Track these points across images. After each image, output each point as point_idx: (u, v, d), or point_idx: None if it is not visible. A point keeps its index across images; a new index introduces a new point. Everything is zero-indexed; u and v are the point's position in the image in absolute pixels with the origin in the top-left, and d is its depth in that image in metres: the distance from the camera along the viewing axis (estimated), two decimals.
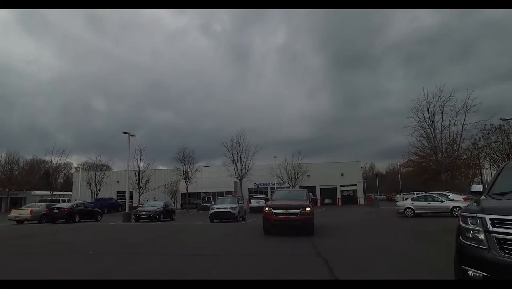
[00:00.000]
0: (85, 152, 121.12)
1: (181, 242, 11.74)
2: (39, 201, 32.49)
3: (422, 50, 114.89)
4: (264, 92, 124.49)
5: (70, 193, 59.74)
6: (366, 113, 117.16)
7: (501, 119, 35.88)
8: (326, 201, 54.91)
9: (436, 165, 37.01)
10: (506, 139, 36.15)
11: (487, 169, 42.39)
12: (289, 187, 44.85)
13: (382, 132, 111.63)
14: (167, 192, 49.64)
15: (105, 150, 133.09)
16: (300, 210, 11.42)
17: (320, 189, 55.55)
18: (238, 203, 23.42)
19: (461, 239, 3.68)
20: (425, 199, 22.58)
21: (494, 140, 36.94)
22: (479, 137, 37.08)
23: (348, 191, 57.19)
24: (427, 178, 41.95)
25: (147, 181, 47.40)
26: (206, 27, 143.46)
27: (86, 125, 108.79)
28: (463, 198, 21.94)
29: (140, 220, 23.86)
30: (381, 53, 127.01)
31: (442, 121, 36.62)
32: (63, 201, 37.31)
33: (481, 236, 3.44)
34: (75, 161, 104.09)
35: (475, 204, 4.06)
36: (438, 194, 22.98)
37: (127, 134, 29.58)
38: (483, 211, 3.58)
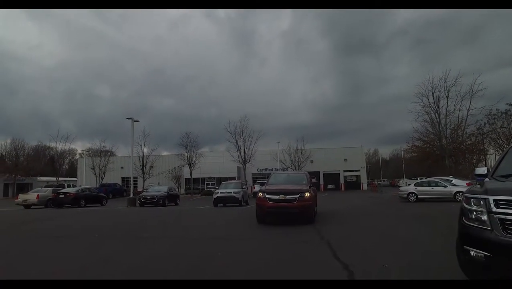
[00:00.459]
0: (89, 138, 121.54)
1: (186, 226, 11.89)
2: (45, 186, 32.90)
3: (428, 35, 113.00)
4: (268, 79, 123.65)
5: (75, 178, 60.37)
6: (370, 99, 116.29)
7: (507, 104, 35.46)
8: (329, 186, 55.12)
9: (440, 150, 36.75)
10: None
11: (491, 154, 42.13)
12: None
13: (386, 118, 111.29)
14: (171, 177, 49.94)
15: (109, 136, 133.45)
16: (298, 196, 10.08)
17: (324, 174, 55.69)
18: (242, 188, 23.61)
19: (464, 220, 3.69)
20: (429, 184, 22.62)
21: (499, 126, 36.58)
22: (484, 123, 36.70)
23: (351, 176, 57.27)
24: (431, 163, 41.79)
25: (151, 167, 47.62)
26: (209, 13, 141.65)
27: (89, 112, 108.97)
28: (466, 183, 21.89)
29: (145, 205, 24.16)
30: (386, 39, 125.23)
31: (447, 106, 36.13)
32: (69, 186, 37.80)
33: (484, 217, 3.45)
34: (79, 147, 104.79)
35: (478, 186, 4.06)
36: (442, 179, 22.97)
37: (130, 120, 29.69)
38: (486, 192, 3.58)
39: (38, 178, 61.63)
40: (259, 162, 50.33)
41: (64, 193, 24.70)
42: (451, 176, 25.31)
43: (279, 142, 51.24)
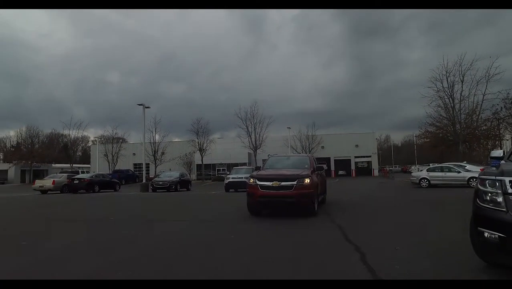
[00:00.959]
0: (101, 125, 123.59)
1: (198, 209, 12.08)
2: (60, 173, 33.65)
3: (444, 17, 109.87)
4: (278, 64, 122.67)
5: (88, 165, 61.54)
6: (382, 85, 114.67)
7: None
8: (340, 172, 55.00)
9: (454, 136, 36.11)
10: None
11: (507, 140, 41.22)
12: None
13: (399, 103, 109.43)
14: (182, 163, 50.47)
15: (120, 123, 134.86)
16: (295, 182, 8.39)
17: (335, 160, 55.53)
18: None
19: (479, 201, 3.67)
20: (441, 169, 22.36)
21: None
22: (501, 107, 35.74)
23: (362, 162, 57.00)
24: (444, 149, 41.15)
25: (163, 153, 48.18)
26: None
27: (101, 99, 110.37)
28: (480, 169, 21.58)
29: (157, 190, 24.56)
30: (400, 21, 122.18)
31: (462, 91, 35.33)
32: (83, 172, 38.57)
33: (500, 198, 3.43)
34: (92, 134, 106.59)
35: (493, 168, 4.02)
36: (455, 165, 22.68)
37: (142, 106, 29.92)
38: (503, 173, 3.56)
39: (53, 165, 63.08)
40: (270, 148, 50.23)
41: (78, 179, 25.28)
42: (465, 162, 24.95)
43: (289, 128, 51.10)
